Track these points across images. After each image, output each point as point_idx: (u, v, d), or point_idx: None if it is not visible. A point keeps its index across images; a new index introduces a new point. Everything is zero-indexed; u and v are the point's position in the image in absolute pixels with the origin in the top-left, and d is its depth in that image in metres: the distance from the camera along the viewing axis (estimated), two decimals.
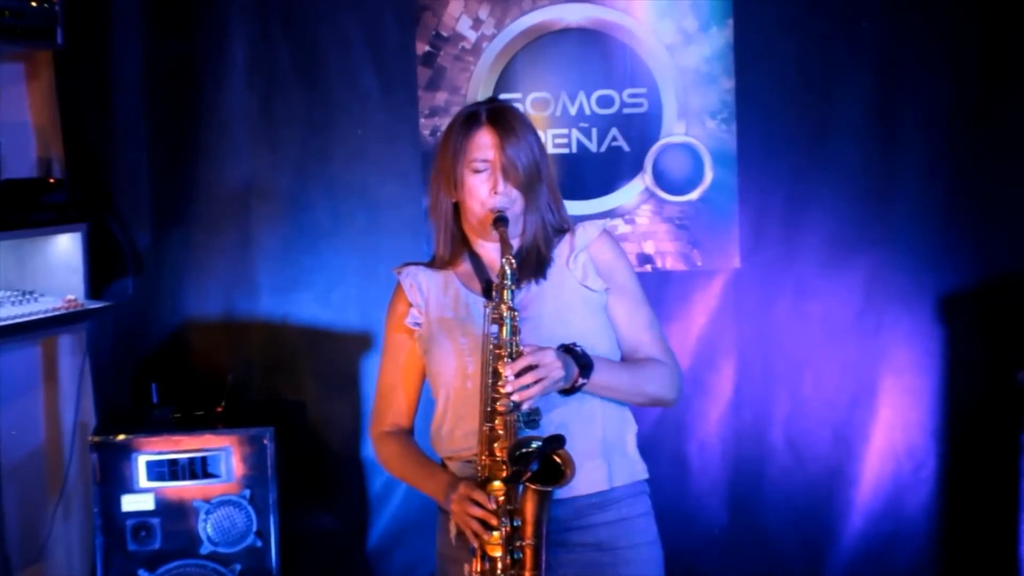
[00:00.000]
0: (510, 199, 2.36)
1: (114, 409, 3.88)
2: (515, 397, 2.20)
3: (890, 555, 4.00)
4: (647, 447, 2.50)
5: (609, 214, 3.98)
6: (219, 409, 3.75)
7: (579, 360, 2.28)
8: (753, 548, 4.03)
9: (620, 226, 4.00)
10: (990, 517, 3.85)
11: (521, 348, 2.24)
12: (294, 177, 3.98)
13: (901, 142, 3.97)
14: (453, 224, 2.45)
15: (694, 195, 4.01)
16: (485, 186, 2.36)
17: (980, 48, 3.91)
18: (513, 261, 2.27)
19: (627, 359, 2.43)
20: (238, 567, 3.62)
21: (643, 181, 4.02)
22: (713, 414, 4.04)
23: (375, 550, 4.04)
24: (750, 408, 4.04)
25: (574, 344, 2.30)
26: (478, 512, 2.25)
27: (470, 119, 2.39)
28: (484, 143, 2.36)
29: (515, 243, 2.39)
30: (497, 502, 2.23)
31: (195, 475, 3.60)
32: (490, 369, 2.27)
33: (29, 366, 3.89)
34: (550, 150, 3.92)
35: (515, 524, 2.23)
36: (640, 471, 2.45)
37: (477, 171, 2.36)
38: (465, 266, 2.46)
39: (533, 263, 2.40)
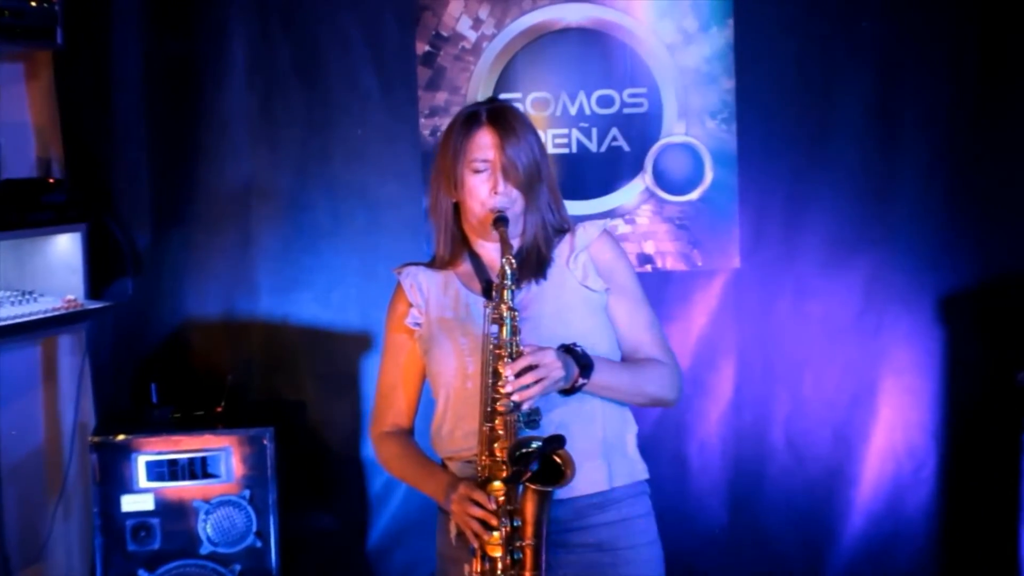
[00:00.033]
0: (510, 199, 2.36)
1: (114, 409, 3.88)
2: (515, 397, 2.20)
3: (890, 555, 4.00)
4: (647, 447, 2.50)
5: (609, 214, 3.98)
6: (219, 409, 3.75)
7: (579, 360, 2.28)
8: (753, 548, 4.03)
9: (620, 226, 3.99)
10: (990, 517, 3.85)
11: (521, 348, 2.24)
12: (294, 177, 3.98)
13: (901, 142, 3.97)
14: (453, 224, 2.45)
15: (694, 195, 4.01)
16: (485, 186, 2.36)
17: (980, 48, 3.90)
18: (513, 261, 2.27)
19: (627, 359, 2.43)
20: (238, 567, 3.61)
21: (643, 181, 4.01)
22: (713, 414, 4.04)
23: (375, 550, 4.04)
24: (750, 408, 4.04)
25: (574, 344, 2.30)
26: (478, 512, 2.25)
27: (470, 119, 2.39)
28: (484, 143, 2.36)
29: (515, 243, 2.39)
30: (497, 502, 2.23)
31: (195, 475, 3.60)
32: (490, 369, 2.27)
33: (29, 366, 3.89)
34: (550, 150, 3.92)
35: (515, 524, 2.23)
36: (640, 471, 2.45)
37: (477, 171, 2.36)
38: (465, 266, 2.46)
39: (533, 263, 2.40)
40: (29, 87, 3.83)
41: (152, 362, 3.95)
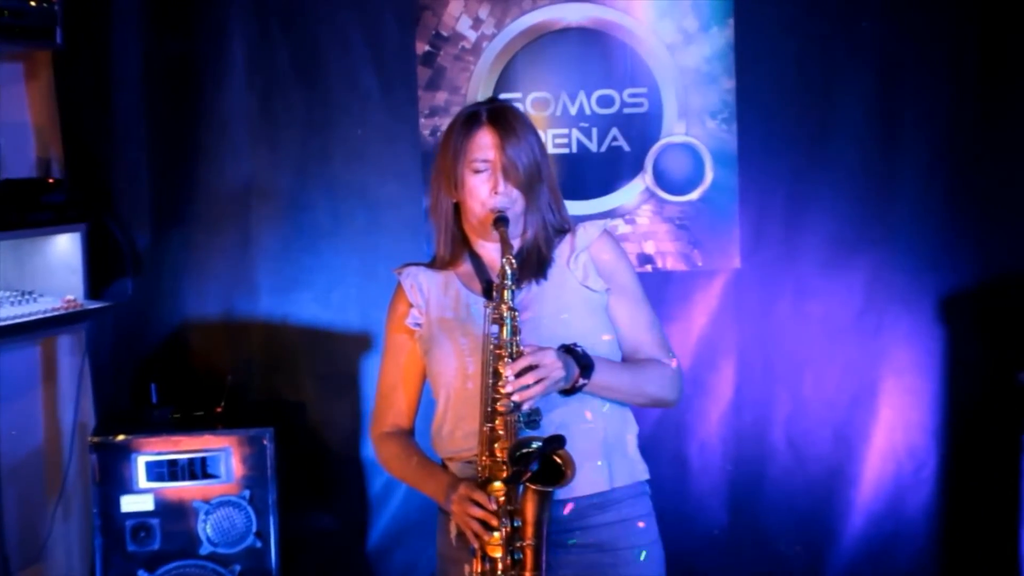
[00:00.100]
0: (510, 199, 2.36)
1: (113, 409, 3.88)
2: (515, 397, 2.20)
3: (891, 555, 4.00)
4: (647, 447, 2.49)
5: (609, 214, 3.98)
6: (219, 409, 3.75)
7: (580, 360, 2.28)
8: (753, 549, 4.03)
9: (620, 226, 3.99)
10: (991, 517, 3.85)
11: (522, 348, 2.24)
12: (294, 177, 3.98)
13: (901, 142, 3.97)
14: (454, 224, 2.45)
15: (694, 195, 4.01)
16: (485, 186, 2.36)
17: (980, 48, 3.90)
18: (513, 261, 2.27)
19: (628, 360, 2.43)
20: (238, 568, 3.61)
21: (643, 181, 4.01)
22: (714, 414, 4.04)
23: (375, 551, 4.04)
24: (750, 408, 4.04)
25: (575, 344, 2.30)
26: (478, 513, 2.25)
27: (471, 119, 2.39)
28: (485, 143, 2.36)
29: (515, 243, 2.39)
30: (497, 502, 2.23)
31: (195, 476, 3.59)
32: (490, 369, 2.27)
33: (28, 366, 3.88)
34: (550, 150, 3.92)
35: (515, 525, 2.23)
36: (641, 472, 2.45)
37: (477, 171, 2.36)
38: (466, 266, 2.46)
39: (534, 263, 2.40)
40: (29, 87, 3.83)
41: (152, 362, 3.94)
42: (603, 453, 2.37)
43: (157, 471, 3.58)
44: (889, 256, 3.97)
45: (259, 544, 3.62)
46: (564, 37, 3.98)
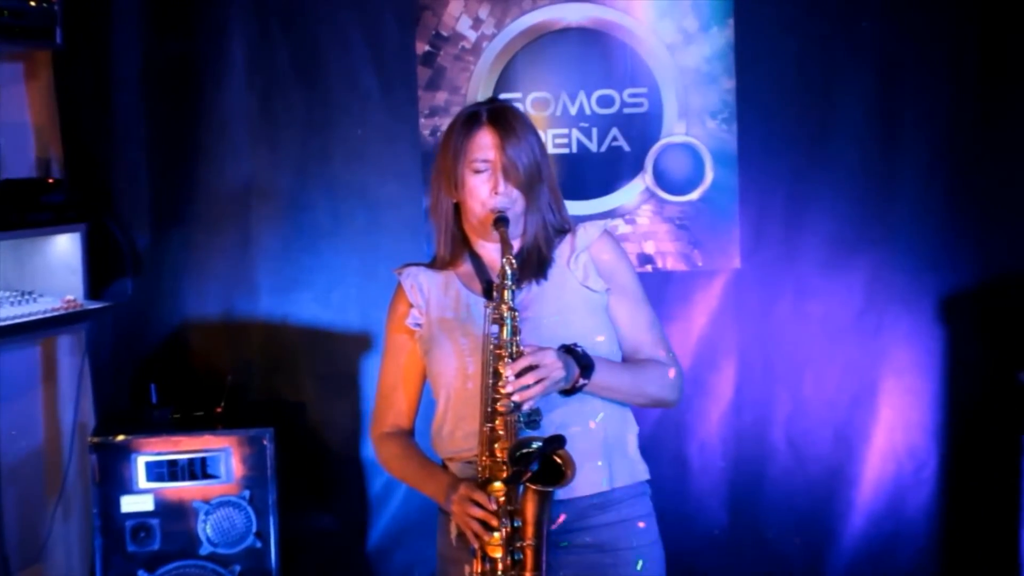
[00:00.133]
0: (511, 199, 2.36)
1: (113, 409, 3.88)
2: (516, 397, 2.20)
3: (891, 555, 4.00)
4: (648, 448, 2.49)
5: (610, 214, 3.98)
6: (219, 410, 3.74)
7: (580, 360, 2.28)
8: (754, 549, 4.03)
9: (621, 226, 3.99)
10: (991, 518, 3.85)
11: (522, 348, 2.24)
12: (294, 177, 3.98)
13: (901, 142, 3.96)
14: (454, 224, 2.45)
15: (695, 195, 4.01)
16: (486, 186, 2.36)
17: (980, 48, 3.90)
18: (514, 261, 2.27)
19: (628, 360, 2.43)
20: (238, 568, 3.61)
21: (643, 181, 4.01)
22: (714, 415, 4.04)
23: (375, 551, 4.04)
24: (751, 408, 4.03)
25: (575, 344, 2.30)
26: (479, 513, 2.24)
27: (471, 119, 2.39)
28: (485, 143, 2.36)
29: (516, 243, 2.39)
30: (498, 503, 2.23)
31: (194, 476, 3.59)
32: (491, 369, 2.27)
33: (28, 366, 3.88)
34: (550, 150, 3.92)
35: (516, 525, 2.23)
36: (641, 472, 2.45)
37: (478, 171, 2.36)
38: (466, 266, 2.46)
39: (534, 263, 2.40)
40: (28, 87, 3.83)
41: (152, 362, 3.94)
42: (603, 453, 2.37)
43: (157, 471, 3.58)
44: (889, 256, 3.97)
45: (259, 544, 3.62)
46: (564, 37, 3.97)
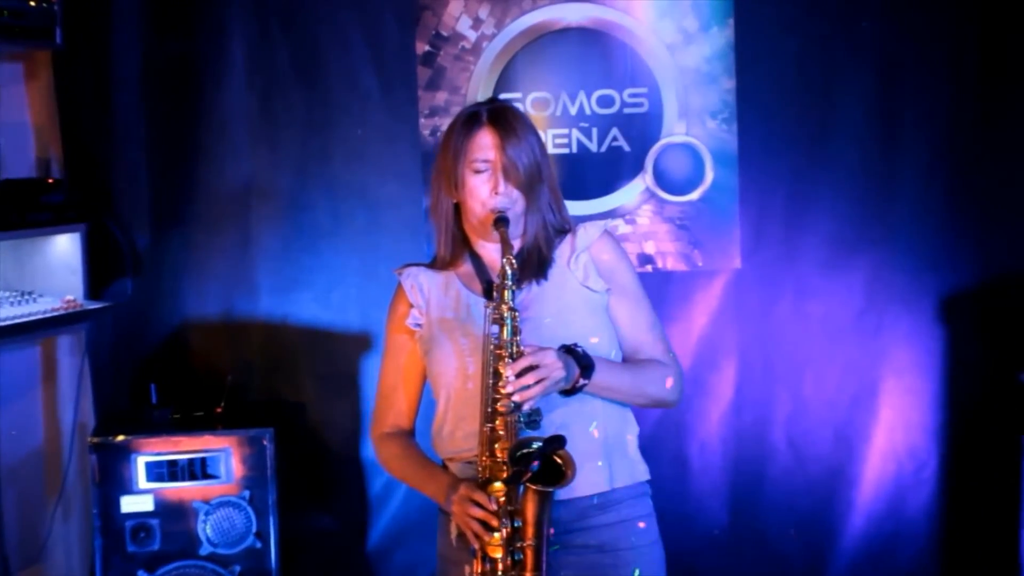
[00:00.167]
0: (511, 199, 2.36)
1: (113, 410, 3.88)
2: (516, 397, 2.19)
3: (891, 556, 3.99)
4: (648, 448, 2.49)
5: (610, 214, 3.98)
6: (219, 410, 3.74)
7: (580, 361, 2.28)
8: (754, 549, 4.03)
9: (621, 226, 3.99)
10: (991, 518, 3.85)
11: (522, 348, 2.24)
12: (294, 177, 3.98)
13: (901, 142, 3.96)
14: (454, 224, 2.45)
15: (695, 195, 4.01)
16: (486, 186, 2.36)
17: (980, 48, 3.90)
18: (514, 261, 2.27)
19: (628, 360, 2.43)
20: (237, 568, 3.61)
21: (644, 181, 4.01)
22: (714, 415, 4.04)
23: (375, 551, 4.03)
24: (751, 409, 4.03)
25: (575, 345, 2.30)
26: (479, 513, 2.24)
27: (471, 119, 2.38)
28: (485, 143, 2.36)
29: (516, 243, 2.39)
30: (498, 503, 2.23)
31: (194, 476, 3.59)
32: (491, 370, 2.27)
33: (28, 367, 3.88)
34: (550, 150, 3.92)
35: (516, 525, 2.23)
36: (641, 472, 2.45)
37: (478, 171, 2.36)
38: (466, 267, 2.46)
39: (534, 263, 2.40)
40: (28, 87, 3.83)
41: (152, 362, 3.94)
42: (603, 453, 2.37)
43: (157, 471, 3.58)
44: (889, 256, 3.97)
45: (259, 544, 3.62)
46: (564, 37, 3.97)
